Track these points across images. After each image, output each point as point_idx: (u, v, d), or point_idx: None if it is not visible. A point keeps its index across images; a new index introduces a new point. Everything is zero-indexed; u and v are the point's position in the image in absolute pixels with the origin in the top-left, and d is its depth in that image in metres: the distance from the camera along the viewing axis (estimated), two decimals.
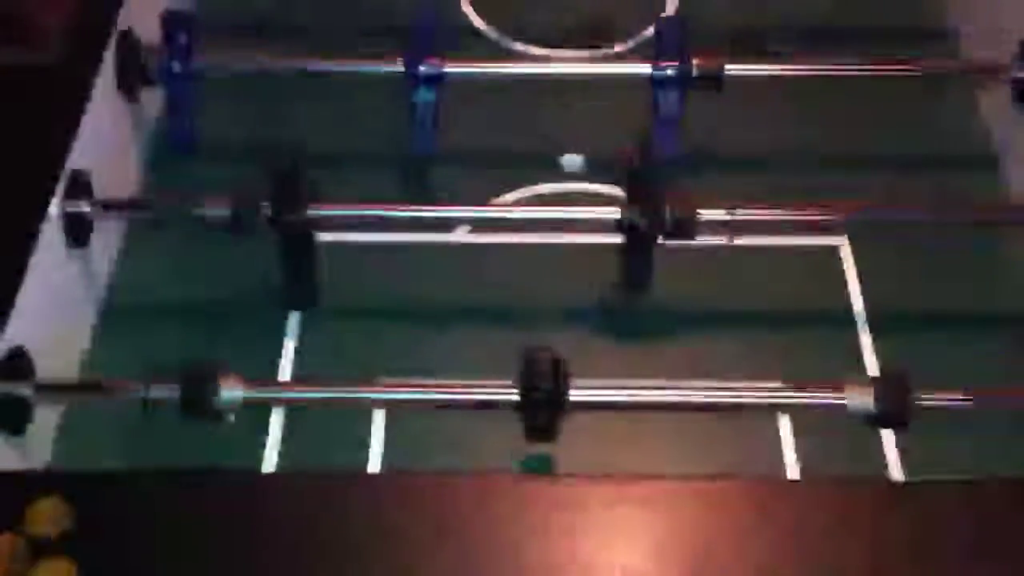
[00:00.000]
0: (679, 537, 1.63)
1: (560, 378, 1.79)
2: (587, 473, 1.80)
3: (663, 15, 2.56)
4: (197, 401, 1.81)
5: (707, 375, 1.95)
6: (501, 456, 1.90)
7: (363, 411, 1.98)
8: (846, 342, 2.10)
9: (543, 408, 1.80)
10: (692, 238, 2.03)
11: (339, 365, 2.06)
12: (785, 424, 1.97)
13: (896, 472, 1.93)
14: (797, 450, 1.95)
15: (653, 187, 2.02)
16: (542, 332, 2.02)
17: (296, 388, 2.01)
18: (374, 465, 1.94)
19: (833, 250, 2.24)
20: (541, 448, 1.86)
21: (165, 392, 1.82)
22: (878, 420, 1.84)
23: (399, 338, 2.10)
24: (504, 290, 2.18)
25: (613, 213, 2.04)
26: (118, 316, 2.15)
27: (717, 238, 2.12)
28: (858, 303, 2.16)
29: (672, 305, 2.15)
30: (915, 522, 1.65)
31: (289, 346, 2.10)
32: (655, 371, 1.98)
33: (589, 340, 2.09)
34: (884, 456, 1.95)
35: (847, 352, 2.09)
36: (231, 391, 1.82)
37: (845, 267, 2.22)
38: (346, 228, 2.15)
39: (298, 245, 2.08)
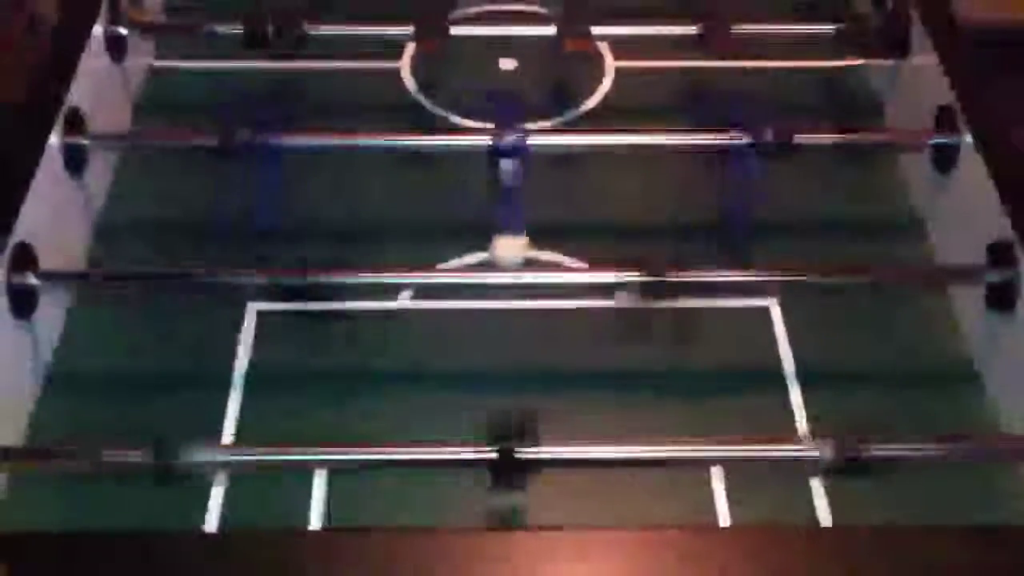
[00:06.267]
0: None
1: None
2: (528, 527, 1.86)
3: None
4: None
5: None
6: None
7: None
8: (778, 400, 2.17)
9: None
10: None
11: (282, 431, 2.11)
12: (718, 476, 2.03)
13: (825, 519, 1.98)
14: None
15: None
16: (476, 397, 2.10)
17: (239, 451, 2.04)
18: (315, 523, 1.97)
19: (764, 311, 2.31)
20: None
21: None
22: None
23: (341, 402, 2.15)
24: (444, 355, 2.24)
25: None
26: (63, 386, 2.17)
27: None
28: (788, 362, 2.23)
29: (607, 367, 2.21)
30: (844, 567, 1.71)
31: (232, 411, 2.14)
32: (590, 432, 2.02)
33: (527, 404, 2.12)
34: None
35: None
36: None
37: (775, 327, 2.28)
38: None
39: None
